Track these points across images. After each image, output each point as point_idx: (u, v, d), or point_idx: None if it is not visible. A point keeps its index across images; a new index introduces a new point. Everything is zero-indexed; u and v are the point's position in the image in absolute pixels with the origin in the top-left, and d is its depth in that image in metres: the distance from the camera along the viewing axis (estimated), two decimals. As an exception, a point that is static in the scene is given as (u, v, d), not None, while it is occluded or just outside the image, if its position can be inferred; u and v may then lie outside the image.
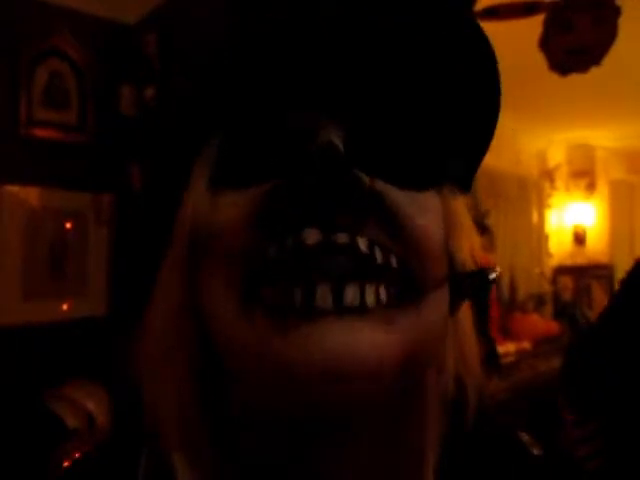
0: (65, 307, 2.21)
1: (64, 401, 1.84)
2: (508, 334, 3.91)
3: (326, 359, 0.29)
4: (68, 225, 2.25)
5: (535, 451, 0.44)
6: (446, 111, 0.37)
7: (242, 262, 0.32)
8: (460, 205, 0.38)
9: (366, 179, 0.32)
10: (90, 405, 1.85)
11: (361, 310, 0.30)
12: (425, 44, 0.35)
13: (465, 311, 0.40)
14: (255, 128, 0.34)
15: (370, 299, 0.31)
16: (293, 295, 0.30)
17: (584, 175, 5.44)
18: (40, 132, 2.20)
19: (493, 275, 0.37)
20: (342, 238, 0.30)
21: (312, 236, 0.30)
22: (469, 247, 0.38)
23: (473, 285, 0.37)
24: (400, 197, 0.33)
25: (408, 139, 0.35)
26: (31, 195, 2.16)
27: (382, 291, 0.32)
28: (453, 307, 0.37)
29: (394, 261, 0.32)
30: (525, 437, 0.45)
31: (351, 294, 0.30)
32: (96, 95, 2.33)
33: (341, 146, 0.31)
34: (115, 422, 1.82)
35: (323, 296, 0.30)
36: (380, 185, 0.33)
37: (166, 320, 0.37)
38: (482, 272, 0.38)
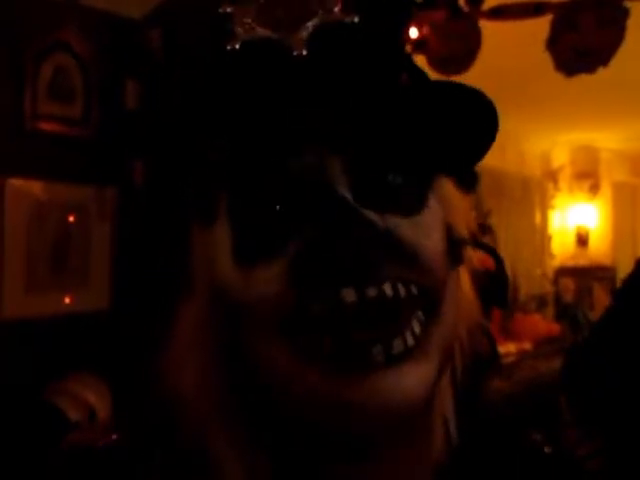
0: (67, 300, 2.22)
1: (66, 394, 1.85)
2: (509, 334, 3.92)
3: (388, 405, 0.34)
4: (71, 218, 2.26)
5: (547, 450, 0.45)
6: (438, 139, 0.38)
7: (285, 325, 0.35)
8: (451, 188, 0.41)
9: (377, 219, 0.34)
10: (92, 399, 1.85)
11: (405, 353, 0.34)
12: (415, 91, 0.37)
13: (463, 273, 0.42)
14: (260, 186, 0.36)
15: (410, 341, 0.35)
16: (350, 351, 0.34)
17: (588, 176, 5.44)
18: (45, 126, 2.20)
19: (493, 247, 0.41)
20: (372, 291, 0.34)
21: (349, 296, 0.33)
22: (465, 223, 0.41)
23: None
24: (405, 226, 0.36)
25: (405, 168, 0.37)
26: (35, 188, 2.16)
27: (415, 325, 0.35)
28: (451, 266, 0.40)
29: (414, 289, 0.36)
30: (537, 437, 0.46)
31: (397, 345, 0.34)
32: (101, 90, 2.33)
33: (350, 197, 0.34)
34: (116, 416, 1.82)
35: (377, 352, 0.34)
36: (388, 220, 0.35)
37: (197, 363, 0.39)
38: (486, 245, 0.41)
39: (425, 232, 0.37)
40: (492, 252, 0.38)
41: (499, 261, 0.37)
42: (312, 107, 0.34)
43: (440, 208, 0.39)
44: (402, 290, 0.35)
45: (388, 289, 0.34)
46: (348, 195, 0.34)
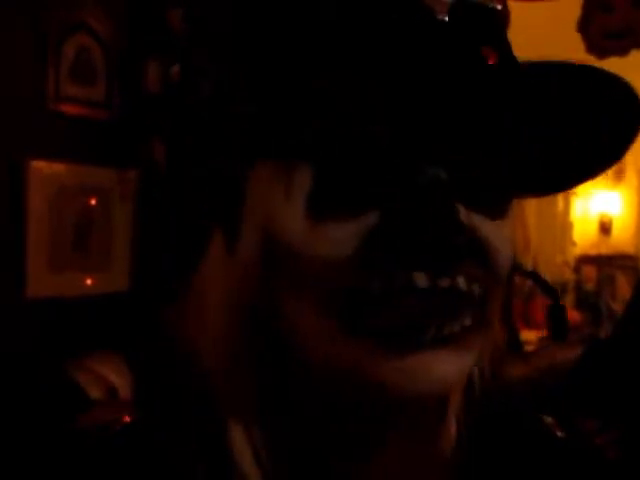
0: (89, 282, 2.25)
1: (86, 372, 1.88)
2: (529, 322, 3.89)
3: (427, 388, 0.33)
4: (93, 201, 2.28)
5: (559, 434, 0.45)
6: (544, 143, 0.37)
7: (341, 296, 0.33)
8: (517, 206, 0.39)
9: (463, 214, 0.32)
10: (113, 377, 1.87)
11: (451, 338, 0.34)
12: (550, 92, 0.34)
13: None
14: (354, 157, 0.33)
15: (457, 327, 0.34)
16: (404, 326, 0.32)
17: (613, 163, 5.32)
18: (67, 108, 2.21)
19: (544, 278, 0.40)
20: (445, 282, 0.32)
21: (421, 280, 0.32)
22: (524, 235, 0.40)
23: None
24: (489, 229, 0.34)
25: (499, 171, 0.35)
26: (58, 170, 2.18)
27: (467, 318, 0.34)
28: None
29: (482, 291, 0.35)
30: (549, 420, 0.46)
31: (448, 328, 0.33)
32: (123, 71, 2.33)
33: (446, 180, 0.32)
34: (137, 395, 1.84)
35: (430, 331, 0.33)
36: (473, 218, 0.33)
37: (226, 314, 0.38)
38: (536, 276, 0.40)
39: (505, 239, 0.36)
40: (544, 285, 0.37)
41: (553, 293, 0.36)
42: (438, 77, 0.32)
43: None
44: (477, 290, 0.34)
45: (462, 284, 0.33)
46: (444, 176, 0.32)
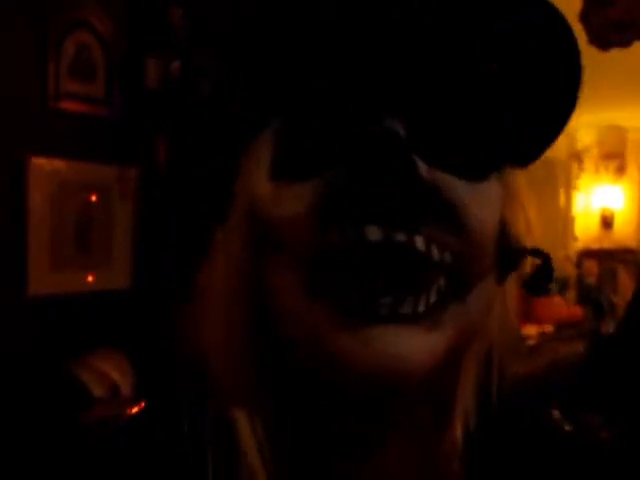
0: (90, 279, 2.25)
1: (89, 370, 1.89)
2: (530, 317, 3.89)
3: (382, 363, 0.32)
4: (93, 198, 2.28)
5: (566, 427, 0.45)
6: (513, 100, 0.36)
7: (305, 254, 0.33)
8: (518, 178, 0.38)
9: (425, 170, 0.31)
10: (115, 375, 1.89)
11: (414, 316, 0.32)
12: (498, 32, 0.34)
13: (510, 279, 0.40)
14: (314, 117, 0.34)
15: (421, 307, 0.32)
16: (358, 299, 0.32)
17: (614, 157, 5.32)
18: (67, 105, 2.21)
19: (549, 260, 0.38)
20: (400, 236, 0.31)
21: (373, 233, 0.31)
22: (525, 220, 0.38)
23: (538, 274, 0.39)
24: (460, 189, 0.33)
25: (469, 128, 0.34)
26: (58, 167, 2.18)
27: (433, 294, 0.33)
28: (501, 278, 0.38)
29: (448, 257, 0.33)
30: (556, 414, 0.45)
31: (407, 305, 0.32)
32: (123, 68, 2.33)
33: (403, 133, 0.31)
34: (138, 392, 1.86)
35: (385, 304, 0.32)
36: (439, 176, 0.32)
37: (226, 293, 0.38)
38: (542, 254, 0.39)
39: (483, 202, 0.34)
40: (541, 254, 0.36)
41: (546, 259, 0.36)
42: (385, 52, 0.32)
43: (501, 197, 0.36)
44: (435, 252, 0.32)
45: (420, 242, 0.31)
46: (402, 133, 0.31)
